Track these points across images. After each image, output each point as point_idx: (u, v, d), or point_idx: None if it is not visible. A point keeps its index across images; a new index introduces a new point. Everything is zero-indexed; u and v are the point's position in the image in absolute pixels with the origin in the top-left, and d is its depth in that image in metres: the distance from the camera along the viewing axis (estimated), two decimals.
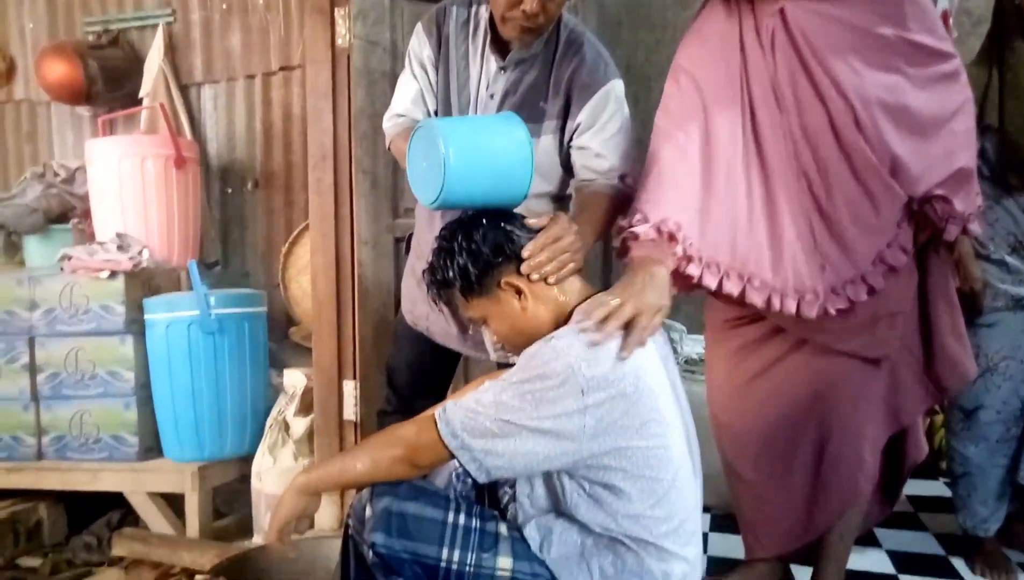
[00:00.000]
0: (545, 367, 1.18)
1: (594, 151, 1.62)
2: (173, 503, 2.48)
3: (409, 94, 1.74)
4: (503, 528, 1.29)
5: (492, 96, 1.66)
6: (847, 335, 1.62)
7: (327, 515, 2.27)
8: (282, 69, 3.01)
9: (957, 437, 2.15)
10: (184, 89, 3.11)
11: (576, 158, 1.65)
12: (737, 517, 1.92)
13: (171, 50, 3.09)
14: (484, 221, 1.34)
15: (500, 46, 1.64)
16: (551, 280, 1.30)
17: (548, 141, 1.66)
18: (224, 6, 3.04)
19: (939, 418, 2.97)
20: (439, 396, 1.81)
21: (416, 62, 1.73)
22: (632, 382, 1.19)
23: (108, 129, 2.91)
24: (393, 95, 1.77)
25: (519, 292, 1.31)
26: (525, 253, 1.29)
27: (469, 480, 1.51)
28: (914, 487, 2.79)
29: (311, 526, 1.37)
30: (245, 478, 2.51)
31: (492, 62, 1.66)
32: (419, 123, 1.47)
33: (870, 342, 1.63)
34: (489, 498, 1.48)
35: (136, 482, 2.46)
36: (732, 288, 1.56)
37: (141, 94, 3.03)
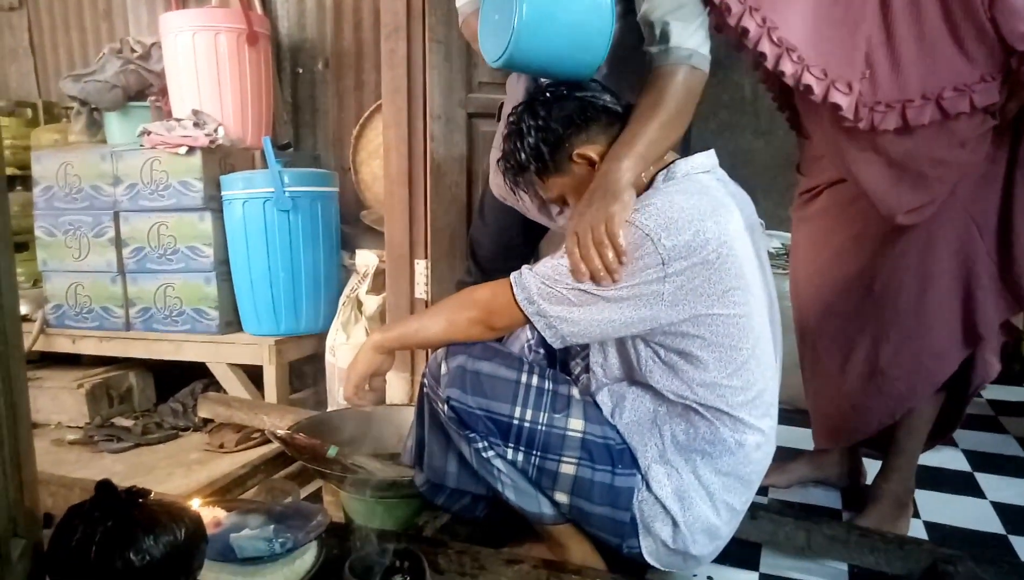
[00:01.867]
0: (624, 236, 1.13)
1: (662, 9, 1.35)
2: (252, 375, 2.59)
3: None
4: (575, 392, 1.29)
5: None
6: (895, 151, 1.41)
7: (398, 389, 2.33)
8: None
9: None
10: None
11: (645, 24, 1.38)
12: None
13: None
14: (550, 94, 1.28)
15: None
16: (613, 278, 1.15)
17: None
18: None
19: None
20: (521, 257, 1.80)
21: None
22: (715, 248, 1.13)
23: (181, 4, 2.88)
24: None
25: (593, 163, 1.25)
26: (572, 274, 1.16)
27: (542, 350, 1.51)
28: (995, 392, 2.69)
29: (384, 384, 1.40)
30: (319, 355, 2.58)
31: None
32: None
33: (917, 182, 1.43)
34: (561, 370, 1.48)
35: (217, 353, 2.56)
36: (753, 31, 1.32)
37: None
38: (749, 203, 1.29)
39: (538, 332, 1.50)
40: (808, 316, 1.75)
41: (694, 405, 1.21)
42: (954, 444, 2.20)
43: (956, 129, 1.36)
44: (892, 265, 1.55)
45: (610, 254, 1.14)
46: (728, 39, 1.42)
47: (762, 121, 3.07)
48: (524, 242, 1.87)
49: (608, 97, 1.29)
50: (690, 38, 1.32)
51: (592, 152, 1.26)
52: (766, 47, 1.32)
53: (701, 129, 2.98)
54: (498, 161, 1.37)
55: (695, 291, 1.14)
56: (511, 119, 1.33)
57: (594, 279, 1.15)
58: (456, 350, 1.27)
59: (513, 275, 1.23)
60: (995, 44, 1.30)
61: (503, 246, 1.86)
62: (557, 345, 1.21)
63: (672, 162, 1.26)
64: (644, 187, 1.25)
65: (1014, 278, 1.52)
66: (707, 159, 1.27)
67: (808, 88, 1.34)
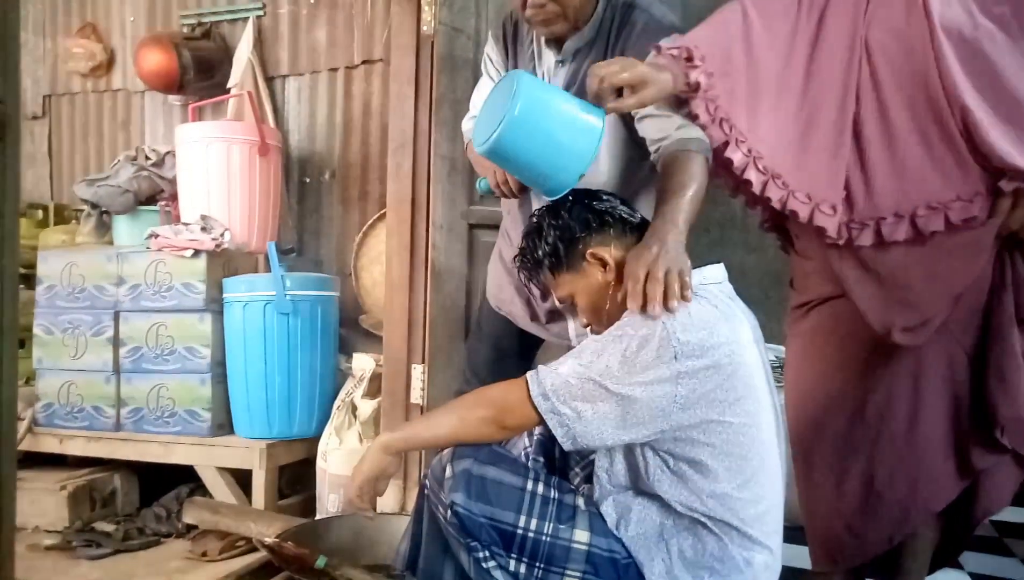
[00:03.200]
0: (640, 326, 1.16)
1: (662, 113, 1.49)
2: (241, 480, 2.53)
3: (481, 94, 1.76)
4: (580, 502, 1.28)
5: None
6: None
7: (389, 496, 2.28)
8: (364, 63, 3.07)
9: None
10: (270, 81, 3.20)
11: (645, 128, 1.53)
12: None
13: (259, 43, 3.19)
14: (571, 199, 1.36)
15: (557, 40, 1.64)
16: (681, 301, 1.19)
17: (612, 119, 1.56)
18: (312, 0, 3.13)
19: None
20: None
21: (492, 65, 1.78)
22: (727, 353, 1.15)
23: (197, 116, 3.02)
24: (475, 86, 1.80)
25: (604, 264, 1.30)
26: (631, 304, 1.20)
27: (541, 459, 1.50)
28: (999, 514, 2.64)
29: (387, 487, 1.38)
30: (310, 460, 2.54)
31: (551, 57, 1.66)
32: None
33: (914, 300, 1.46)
34: (560, 471, 1.47)
35: (207, 456, 2.52)
36: (738, 160, 1.41)
37: (229, 84, 3.13)
38: (754, 318, 1.32)
39: (537, 438, 1.52)
40: (802, 432, 1.72)
41: (703, 518, 1.19)
42: (959, 567, 2.15)
43: (944, 243, 1.42)
44: (883, 390, 1.54)
45: (677, 287, 1.17)
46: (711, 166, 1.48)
47: (752, 237, 3.16)
48: (519, 352, 1.91)
49: (625, 209, 1.35)
50: (694, 130, 1.43)
51: (605, 254, 1.30)
52: (752, 175, 1.41)
53: (692, 245, 3.05)
54: (514, 258, 1.42)
55: (707, 396, 1.15)
56: (533, 218, 1.40)
57: (646, 309, 1.16)
58: (462, 453, 1.26)
59: (529, 373, 1.24)
60: (972, 166, 1.38)
61: (498, 354, 1.90)
62: (568, 446, 1.20)
63: None
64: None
65: (989, 421, 1.49)
66: (718, 272, 1.31)
67: (794, 212, 1.41)
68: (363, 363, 2.50)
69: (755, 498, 1.19)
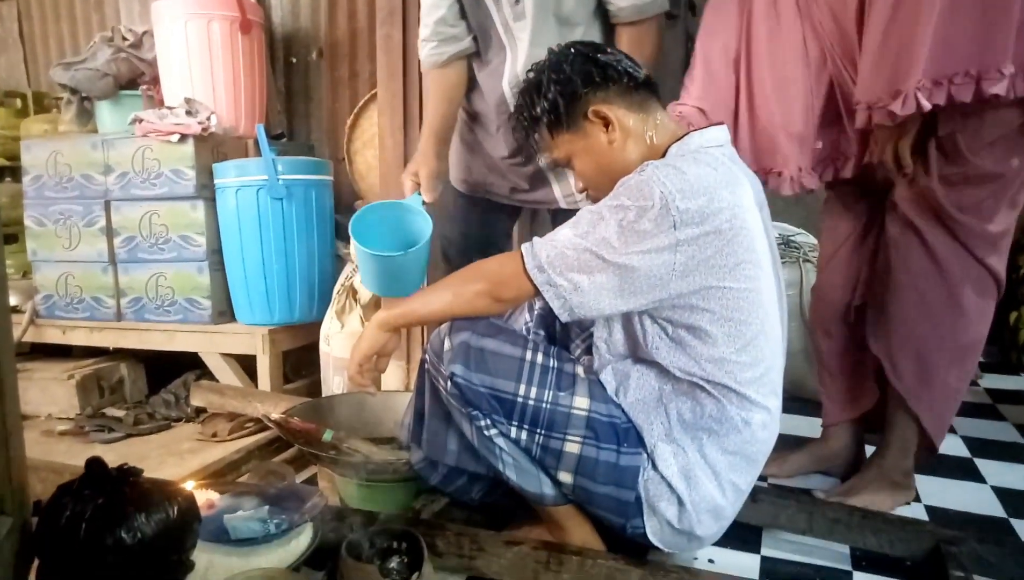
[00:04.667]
0: (637, 195, 1.12)
1: None
2: (246, 365, 2.56)
3: (430, 13, 1.74)
4: (580, 370, 1.27)
5: None
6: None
7: (393, 376, 2.30)
8: None
9: None
10: None
11: None
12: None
13: None
14: (573, 51, 1.27)
15: None
16: None
17: None
18: None
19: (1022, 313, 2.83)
20: None
21: None
22: (728, 219, 1.11)
23: None
24: None
25: (607, 123, 1.24)
26: None
27: (541, 332, 1.49)
28: (993, 382, 2.69)
29: (387, 364, 1.37)
30: (314, 344, 2.55)
31: None
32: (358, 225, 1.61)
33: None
34: (561, 344, 1.46)
35: (210, 343, 2.53)
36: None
37: None
38: (757, 181, 1.28)
39: (537, 313, 1.50)
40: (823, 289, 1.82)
41: (701, 382, 1.19)
42: (953, 431, 2.20)
43: None
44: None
45: None
46: None
47: None
48: (494, 235, 1.95)
49: (630, 63, 1.28)
50: None
51: (608, 112, 1.24)
52: None
53: None
54: (509, 116, 1.37)
55: (707, 262, 1.13)
56: (530, 73, 1.32)
57: None
58: (460, 326, 1.25)
59: (524, 245, 1.21)
60: None
61: (474, 242, 1.91)
62: (565, 318, 1.18)
63: (685, 134, 1.25)
64: (659, 156, 1.24)
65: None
66: (720, 133, 1.26)
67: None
68: None
69: (753, 361, 1.19)
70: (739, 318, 1.16)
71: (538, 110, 1.28)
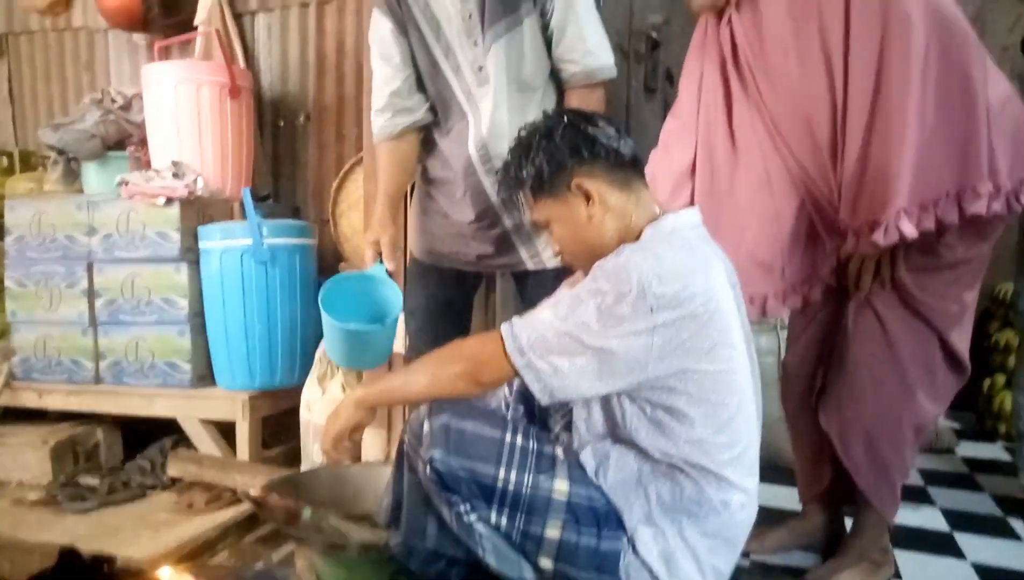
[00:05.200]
0: (615, 279, 1.14)
1: (572, 33, 1.69)
2: (224, 431, 2.53)
3: (384, 86, 1.81)
4: (559, 452, 1.28)
5: (471, 15, 1.69)
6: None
7: (374, 446, 2.28)
8: None
9: None
10: (238, 18, 3.07)
11: (557, 52, 1.72)
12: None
13: None
14: (565, 121, 1.29)
15: None
16: None
17: (530, 27, 1.69)
18: None
19: (1000, 379, 2.87)
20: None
21: (380, 45, 1.80)
22: (703, 302, 1.14)
23: (164, 56, 2.89)
24: None
25: (588, 198, 1.26)
26: None
27: (521, 407, 1.50)
28: (970, 450, 2.71)
29: (361, 438, 1.38)
30: (294, 410, 2.53)
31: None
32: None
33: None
34: (540, 427, 1.46)
35: (189, 408, 2.50)
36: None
37: (196, 22, 2.99)
38: (729, 262, 1.31)
39: (517, 387, 1.51)
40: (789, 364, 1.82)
41: (679, 464, 1.20)
42: (931, 502, 2.21)
43: None
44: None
45: None
46: None
47: None
48: (457, 307, 1.98)
49: (618, 140, 1.29)
50: (600, 56, 1.72)
51: (591, 187, 1.26)
52: None
53: None
54: (497, 171, 1.39)
55: (683, 345, 1.14)
56: (522, 132, 1.34)
57: None
58: (439, 407, 1.25)
59: (503, 326, 1.22)
60: None
61: (436, 314, 1.93)
62: (544, 401, 1.19)
63: (660, 216, 1.28)
64: (634, 238, 1.26)
65: None
66: (693, 215, 1.30)
67: None
68: None
69: (731, 442, 1.20)
70: (716, 400, 1.18)
71: (524, 173, 1.30)
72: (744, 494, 1.24)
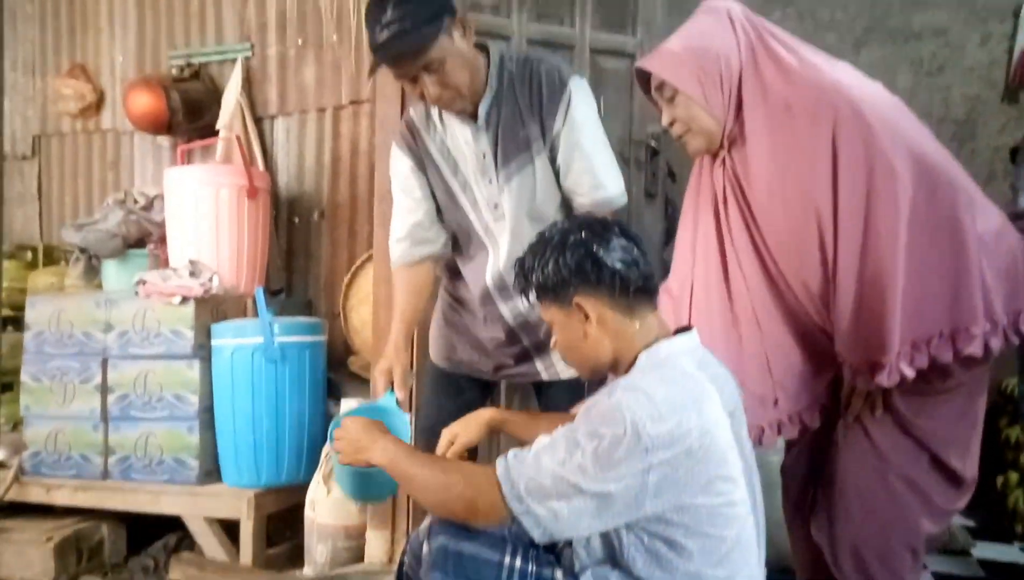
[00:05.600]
0: (610, 422, 1.15)
1: (578, 168, 1.72)
2: (229, 529, 2.52)
3: (405, 216, 1.85)
4: (559, 574, 1.27)
5: (485, 155, 1.73)
6: None
7: (377, 548, 2.27)
8: (352, 103, 3.08)
9: None
10: (259, 121, 3.21)
11: (566, 185, 1.76)
12: None
13: (248, 83, 3.20)
14: (578, 238, 1.29)
15: (469, 113, 1.73)
16: None
17: (541, 164, 1.73)
18: (300, 42, 3.15)
19: (1014, 476, 2.81)
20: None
21: (401, 179, 1.85)
22: (698, 437, 1.15)
23: (186, 159, 3.03)
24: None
25: (587, 316, 1.28)
26: None
27: None
28: (986, 551, 2.64)
29: None
30: (299, 506, 2.53)
31: (467, 129, 1.73)
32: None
33: None
34: (540, 550, 1.46)
35: (194, 506, 2.50)
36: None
37: (218, 125, 3.14)
38: (730, 381, 1.32)
39: None
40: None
41: None
42: None
43: None
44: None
45: None
46: None
47: None
48: (470, 406, 1.90)
49: (628, 267, 1.28)
50: (609, 188, 1.74)
51: (590, 309, 1.27)
52: None
53: None
54: (516, 260, 1.39)
55: (679, 481, 1.15)
56: (544, 233, 1.34)
57: None
58: (439, 528, 1.26)
59: (500, 468, 1.22)
60: None
61: (448, 414, 1.87)
62: (543, 541, 1.20)
63: (655, 342, 1.29)
64: (628, 365, 1.28)
65: None
66: (689, 340, 1.30)
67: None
68: (350, 409, 2.49)
69: (729, 575, 1.19)
70: (713, 533, 1.18)
71: (534, 276, 1.32)
72: None
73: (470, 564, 1.23)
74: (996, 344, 1.39)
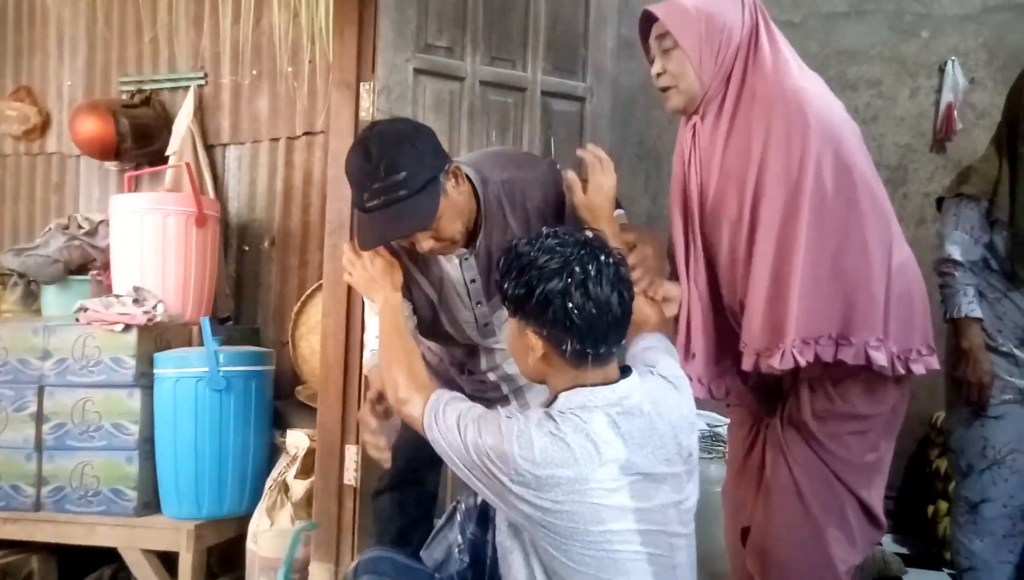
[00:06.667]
0: (499, 438, 1.21)
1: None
2: (167, 561, 2.46)
3: None
4: None
5: (474, 281, 1.66)
6: None
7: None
8: (305, 134, 3.09)
9: (962, 530, 2.12)
10: (210, 149, 3.20)
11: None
12: None
13: (200, 111, 3.19)
14: (562, 279, 1.22)
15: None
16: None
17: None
18: (254, 72, 3.16)
19: (943, 505, 2.93)
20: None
21: None
22: (567, 493, 1.18)
23: (133, 185, 3.00)
24: None
25: (533, 346, 1.28)
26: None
27: (467, 560, 1.51)
28: (917, 578, 2.74)
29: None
30: (241, 538, 2.48)
31: (454, 258, 1.63)
32: None
33: None
34: (490, 574, 1.48)
35: (131, 538, 2.44)
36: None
37: (168, 152, 3.12)
38: (658, 440, 1.26)
39: (469, 539, 1.52)
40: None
41: None
42: None
43: None
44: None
45: None
46: None
47: None
48: None
49: (597, 343, 1.24)
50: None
51: (538, 343, 1.26)
52: None
53: None
54: (503, 254, 1.33)
55: (537, 522, 1.20)
56: (528, 246, 1.27)
57: None
58: (364, 568, 1.33)
59: (431, 402, 1.31)
60: None
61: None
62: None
63: (574, 387, 1.27)
64: (552, 397, 1.29)
65: None
66: (611, 394, 1.25)
67: None
68: (297, 440, 2.48)
69: None
70: (588, 572, 1.20)
71: (503, 284, 1.29)
72: None
73: None
74: (880, 359, 1.46)
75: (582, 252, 1.23)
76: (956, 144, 3.26)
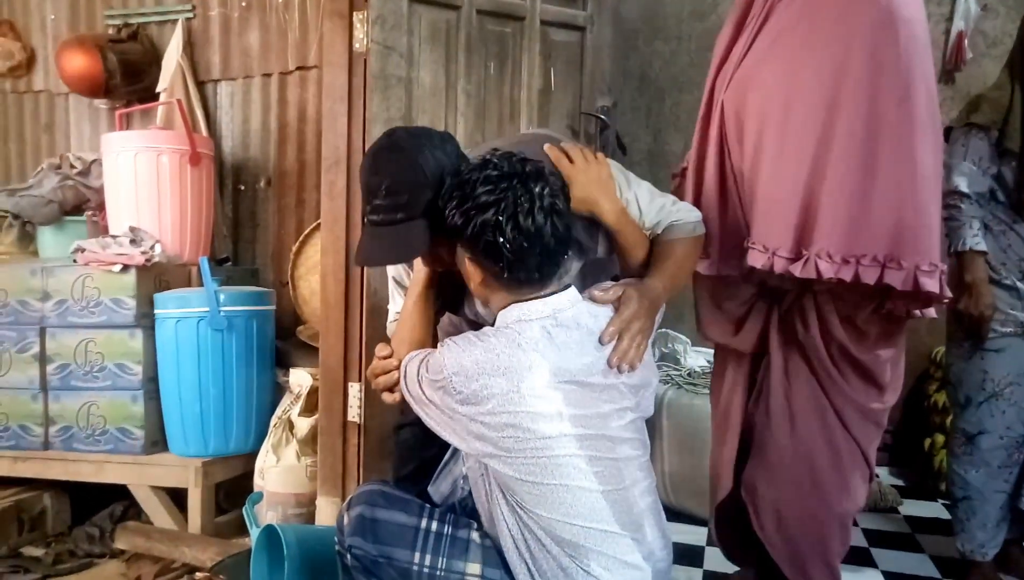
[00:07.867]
0: (436, 370, 1.27)
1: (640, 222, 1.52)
2: (176, 497, 2.51)
3: (400, 300, 1.68)
4: (475, 535, 1.35)
5: None
6: None
7: (327, 514, 2.28)
8: (298, 69, 3.02)
9: (959, 460, 2.15)
10: (201, 85, 3.13)
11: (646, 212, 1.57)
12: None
13: (189, 46, 3.11)
14: (493, 213, 1.23)
15: None
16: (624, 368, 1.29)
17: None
18: (243, 3, 3.06)
19: (940, 438, 2.98)
20: None
21: (397, 274, 1.68)
22: (501, 404, 1.22)
23: (125, 123, 2.93)
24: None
25: (471, 272, 1.31)
26: (605, 338, 1.28)
27: (467, 488, 1.54)
28: (913, 508, 2.80)
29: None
30: (248, 475, 2.53)
31: None
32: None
33: None
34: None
35: (140, 475, 2.48)
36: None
37: (158, 89, 3.05)
38: (596, 353, 1.28)
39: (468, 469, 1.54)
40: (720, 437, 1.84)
41: (541, 536, 1.27)
42: (873, 564, 2.28)
43: None
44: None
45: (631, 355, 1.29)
46: None
47: None
48: None
49: (521, 272, 1.26)
50: (690, 212, 1.52)
51: (475, 270, 1.29)
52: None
53: None
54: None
55: (483, 437, 1.24)
56: (488, 169, 1.26)
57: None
58: (356, 499, 1.35)
59: (405, 361, 1.36)
60: None
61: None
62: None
63: (510, 304, 1.29)
64: (494, 317, 1.33)
65: None
66: (543, 306, 1.27)
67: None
68: (300, 379, 2.49)
69: (565, 517, 1.25)
70: (536, 481, 1.24)
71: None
72: (613, 560, 1.26)
73: (384, 528, 1.32)
74: (930, 286, 1.42)
75: (516, 183, 1.24)
76: (965, 74, 3.18)
